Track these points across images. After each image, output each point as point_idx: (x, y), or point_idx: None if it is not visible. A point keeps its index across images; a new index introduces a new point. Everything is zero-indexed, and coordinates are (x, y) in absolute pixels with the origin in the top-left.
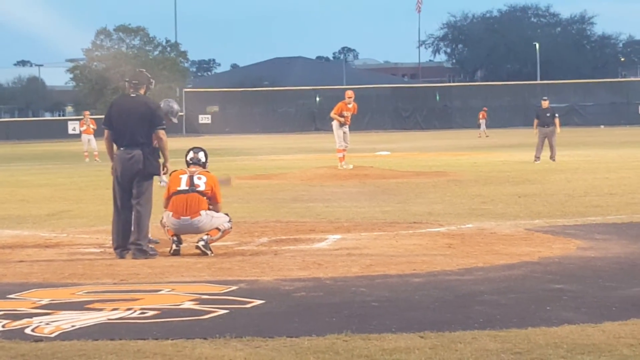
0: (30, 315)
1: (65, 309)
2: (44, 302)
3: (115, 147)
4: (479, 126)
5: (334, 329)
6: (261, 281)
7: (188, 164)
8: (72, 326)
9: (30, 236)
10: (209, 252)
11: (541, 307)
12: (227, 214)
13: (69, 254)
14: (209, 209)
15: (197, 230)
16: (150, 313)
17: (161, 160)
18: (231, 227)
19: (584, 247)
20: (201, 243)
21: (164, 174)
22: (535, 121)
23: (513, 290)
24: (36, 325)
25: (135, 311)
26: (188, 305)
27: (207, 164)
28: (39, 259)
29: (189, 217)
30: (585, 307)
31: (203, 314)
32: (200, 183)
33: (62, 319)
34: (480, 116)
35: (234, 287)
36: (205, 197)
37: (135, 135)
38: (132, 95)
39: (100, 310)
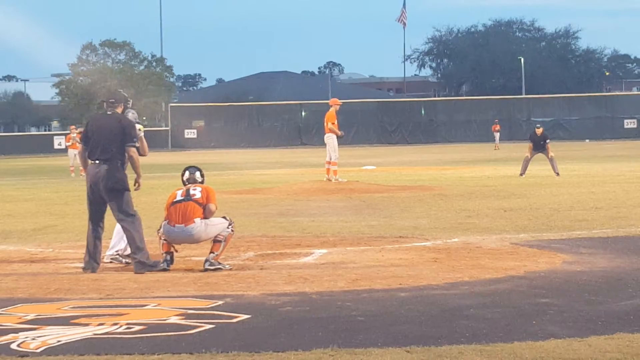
0: (16, 331)
1: (51, 324)
2: (30, 317)
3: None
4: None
5: (320, 343)
6: (247, 296)
7: (185, 184)
8: (58, 341)
9: (15, 251)
10: (222, 267)
11: (527, 321)
12: (225, 217)
13: (55, 269)
14: (204, 217)
15: (191, 238)
16: (137, 328)
17: (134, 177)
18: (233, 231)
19: (569, 261)
20: (207, 264)
21: (136, 189)
22: (530, 145)
23: (499, 305)
24: (22, 340)
25: (121, 326)
26: (174, 320)
27: (204, 182)
28: (25, 274)
29: (183, 224)
30: (571, 321)
31: (189, 328)
32: (196, 192)
33: (48, 334)
34: (494, 129)
35: (219, 302)
36: (201, 207)
37: (105, 150)
38: (108, 112)
39: (86, 325)
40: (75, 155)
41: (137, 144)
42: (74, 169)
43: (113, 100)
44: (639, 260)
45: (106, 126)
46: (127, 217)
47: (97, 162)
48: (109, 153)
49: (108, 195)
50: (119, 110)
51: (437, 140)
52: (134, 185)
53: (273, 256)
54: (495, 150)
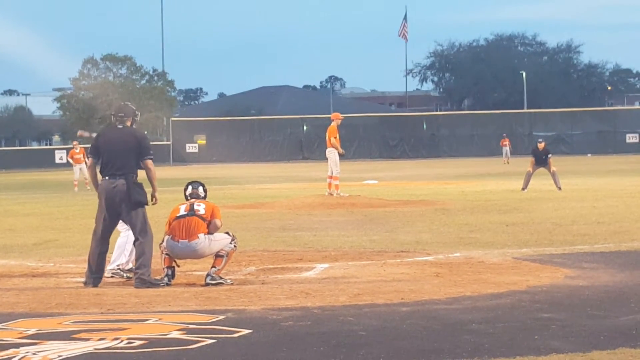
0: (17, 346)
1: (52, 338)
2: (31, 332)
3: (100, 177)
4: (502, 154)
5: (321, 358)
6: (249, 310)
7: (187, 199)
8: (59, 356)
9: (17, 266)
10: (224, 282)
11: (529, 336)
12: (228, 233)
13: (56, 284)
14: (207, 233)
15: (195, 254)
16: (137, 343)
17: (149, 190)
18: (236, 247)
19: (572, 275)
20: (208, 279)
21: (154, 204)
22: (532, 160)
23: (501, 320)
24: (23, 355)
25: (122, 341)
26: (175, 334)
27: (207, 198)
28: (26, 289)
29: (187, 240)
30: (573, 336)
31: (190, 343)
32: (200, 208)
33: (48, 349)
34: (502, 143)
35: (221, 317)
36: (205, 222)
37: (120, 165)
38: (119, 126)
39: (87, 340)
40: (80, 169)
41: (152, 157)
42: (77, 183)
43: (122, 114)
44: None
45: (120, 140)
46: (144, 232)
47: (111, 177)
48: (126, 168)
49: (128, 209)
50: (128, 123)
51: (438, 154)
52: (151, 199)
53: (275, 271)
54: (502, 165)
